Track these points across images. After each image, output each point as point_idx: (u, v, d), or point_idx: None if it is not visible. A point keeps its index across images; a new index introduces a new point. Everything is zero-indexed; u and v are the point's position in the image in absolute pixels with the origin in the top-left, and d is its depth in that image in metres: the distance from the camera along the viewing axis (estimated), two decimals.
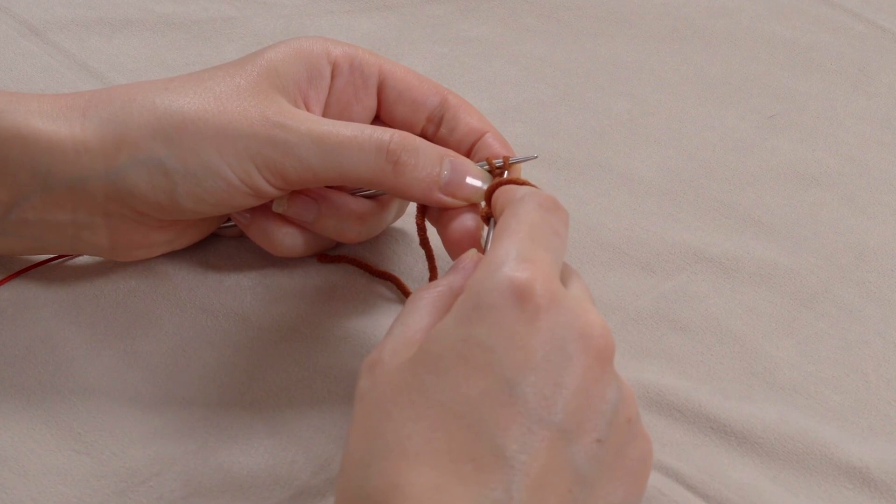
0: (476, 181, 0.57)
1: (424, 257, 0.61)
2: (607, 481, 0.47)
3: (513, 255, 0.48)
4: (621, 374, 0.57)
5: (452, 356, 0.46)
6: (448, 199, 0.57)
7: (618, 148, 0.71)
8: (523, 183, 0.55)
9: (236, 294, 0.61)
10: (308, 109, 0.58)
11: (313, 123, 0.55)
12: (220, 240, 0.63)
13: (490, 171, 0.58)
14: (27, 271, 0.61)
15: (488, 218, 0.55)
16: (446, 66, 0.77)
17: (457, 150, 0.59)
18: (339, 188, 0.59)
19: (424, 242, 0.60)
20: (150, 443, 0.55)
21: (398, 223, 0.65)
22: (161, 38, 0.77)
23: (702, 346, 0.60)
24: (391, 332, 0.49)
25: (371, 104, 0.60)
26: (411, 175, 0.56)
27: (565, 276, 0.52)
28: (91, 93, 0.56)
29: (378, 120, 0.61)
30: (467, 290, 0.48)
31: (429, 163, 0.56)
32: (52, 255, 0.61)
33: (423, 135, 0.60)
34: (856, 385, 0.59)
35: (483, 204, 0.56)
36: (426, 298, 0.50)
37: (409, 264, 0.63)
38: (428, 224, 0.59)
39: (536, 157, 0.59)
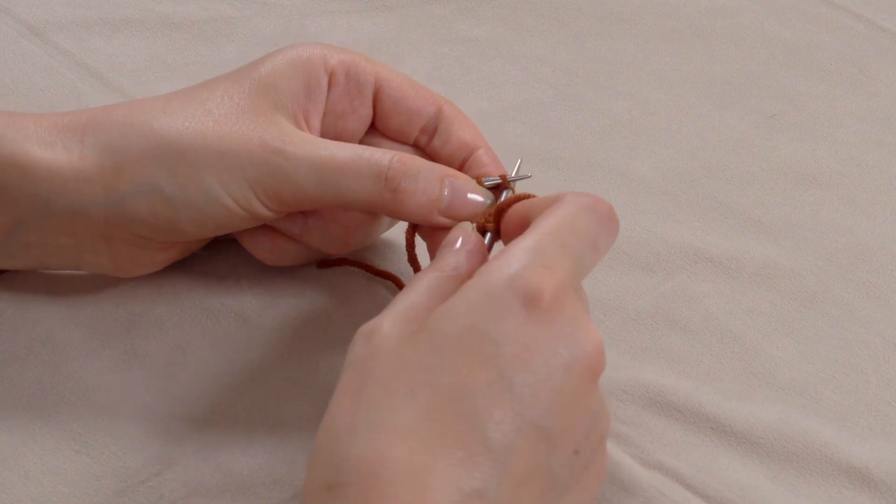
0: (478, 197, 0.56)
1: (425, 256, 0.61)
2: (572, 492, 0.48)
3: (534, 256, 0.48)
4: (621, 375, 0.57)
5: (458, 342, 0.46)
6: (448, 221, 0.56)
7: (618, 148, 0.71)
8: (531, 198, 0.55)
9: (236, 294, 0.61)
10: (307, 124, 0.57)
11: (312, 148, 0.55)
12: (220, 240, 0.63)
13: None
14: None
15: (485, 231, 0.55)
16: (446, 66, 0.77)
17: (448, 164, 0.58)
18: None
19: (412, 259, 0.59)
20: (150, 443, 0.54)
21: (397, 226, 0.64)
22: (161, 38, 0.77)
23: (702, 346, 0.60)
24: (393, 305, 0.49)
25: (367, 113, 0.59)
26: (412, 201, 0.55)
27: None
28: (88, 114, 0.56)
29: (373, 128, 0.60)
30: (481, 277, 0.47)
31: (429, 186, 0.55)
32: None
33: (416, 145, 0.60)
34: (856, 385, 0.59)
35: (474, 225, 0.55)
36: (431, 279, 0.50)
37: (409, 265, 0.63)
38: (417, 239, 0.59)
39: (530, 176, 0.59)
